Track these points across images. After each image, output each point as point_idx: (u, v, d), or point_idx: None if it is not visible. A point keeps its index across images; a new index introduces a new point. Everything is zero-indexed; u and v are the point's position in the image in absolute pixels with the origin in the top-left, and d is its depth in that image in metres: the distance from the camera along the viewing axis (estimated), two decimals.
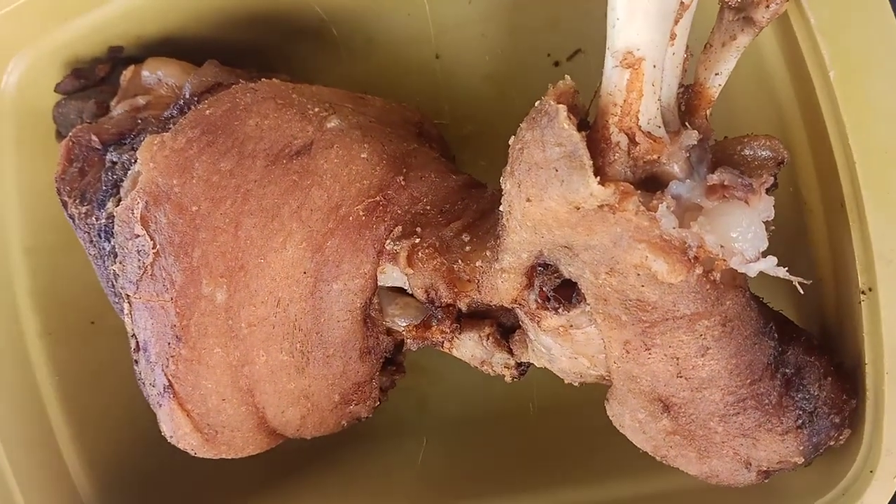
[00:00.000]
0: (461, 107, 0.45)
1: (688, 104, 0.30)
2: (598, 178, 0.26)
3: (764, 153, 0.30)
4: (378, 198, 0.34)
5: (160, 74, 0.42)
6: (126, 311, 0.36)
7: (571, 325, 0.30)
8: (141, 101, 0.41)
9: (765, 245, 0.27)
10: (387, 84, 0.46)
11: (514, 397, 0.44)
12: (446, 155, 0.41)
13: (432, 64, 0.45)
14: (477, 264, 0.33)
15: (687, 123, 0.29)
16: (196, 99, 0.38)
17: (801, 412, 0.29)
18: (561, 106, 0.26)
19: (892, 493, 0.28)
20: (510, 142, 0.29)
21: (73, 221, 0.39)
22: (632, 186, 0.27)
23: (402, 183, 0.35)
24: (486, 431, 0.45)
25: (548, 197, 0.27)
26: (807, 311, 0.34)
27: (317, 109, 0.36)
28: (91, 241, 0.38)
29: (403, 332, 0.36)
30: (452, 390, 0.47)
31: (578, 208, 0.27)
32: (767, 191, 0.29)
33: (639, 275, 0.27)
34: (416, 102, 0.44)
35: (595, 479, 0.37)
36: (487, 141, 0.44)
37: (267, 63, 0.46)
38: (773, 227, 0.29)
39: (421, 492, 0.42)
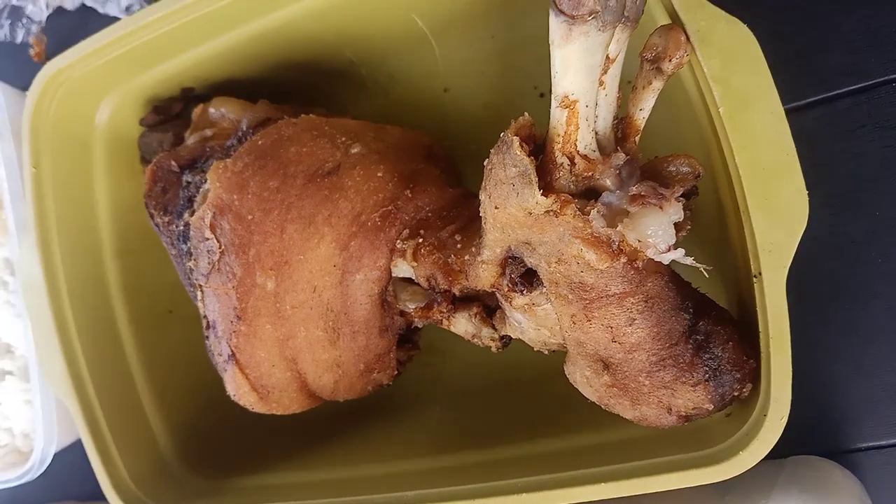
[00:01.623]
0: (466, 130, 0.54)
1: (623, 132, 0.38)
2: (543, 191, 0.35)
3: (684, 168, 0.38)
4: (390, 207, 0.44)
5: (223, 111, 0.52)
6: (199, 298, 0.46)
7: (533, 304, 0.39)
8: (208, 132, 0.51)
9: (672, 240, 0.35)
10: (406, 112, 0.55)
11: (510, 370, 0.53)
12: (451, 171, 0.51)
13: (442, 96, 0.54)
14: (465, 258, 0.42)
15: (619, 147, 0.38)
16: (251, 131, 0.48)
17: (707, 369, 0.37)
18: (515, 137, 0.35)
19: (780, 431, 0.36)
20: (485, 163, 0.38)
21: (159, 229, 0.49)
22: (570, 197, 0.35)
23: (409, 195, 0.44)
24: (488, 399, 0.54)
25: (509, 205, 0.36)
26: (731, 290, 0.42)
27: (344, 139, 0.46)
28: (172, 244, 0.48)
29: (412, 313, 0.45)
30: (462, 367, 0.56)
31: (531, 213, 0.36)
32: (685, 197, 0.38)
33: (578, 263, 0.36)
34: (429, 127, 0.53)
35: (568, 432, 0.46)
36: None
37: (308, 97, 0.55)
38: (690, 227, 0.38)
39: (431, 447, 0.51)
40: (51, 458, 0.58)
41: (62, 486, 0.65)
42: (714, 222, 0.41)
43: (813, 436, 0.47)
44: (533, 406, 0.50)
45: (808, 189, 0.45)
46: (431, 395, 0.56)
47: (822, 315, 0.46)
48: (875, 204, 0.45)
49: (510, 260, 0.39)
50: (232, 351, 0.45)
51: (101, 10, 0.66)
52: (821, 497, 0.43)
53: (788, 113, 0.46)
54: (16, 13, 0.68)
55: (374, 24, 0.50)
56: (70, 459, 0.60)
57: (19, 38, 0.69)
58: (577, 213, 0.35)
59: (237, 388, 0.46)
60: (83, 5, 0.67)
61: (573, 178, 0.36)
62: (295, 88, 0.55)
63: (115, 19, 0.65)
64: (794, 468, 0.44)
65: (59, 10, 0.68)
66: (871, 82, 0.44)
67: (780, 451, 0.46)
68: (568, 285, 0.37)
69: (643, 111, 0.37)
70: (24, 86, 0.54)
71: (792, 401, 0.45)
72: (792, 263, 0.44)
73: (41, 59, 0.69)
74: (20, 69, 0.69)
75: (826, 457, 0.47)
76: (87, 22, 0.68)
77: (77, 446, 0.55)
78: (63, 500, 0.66)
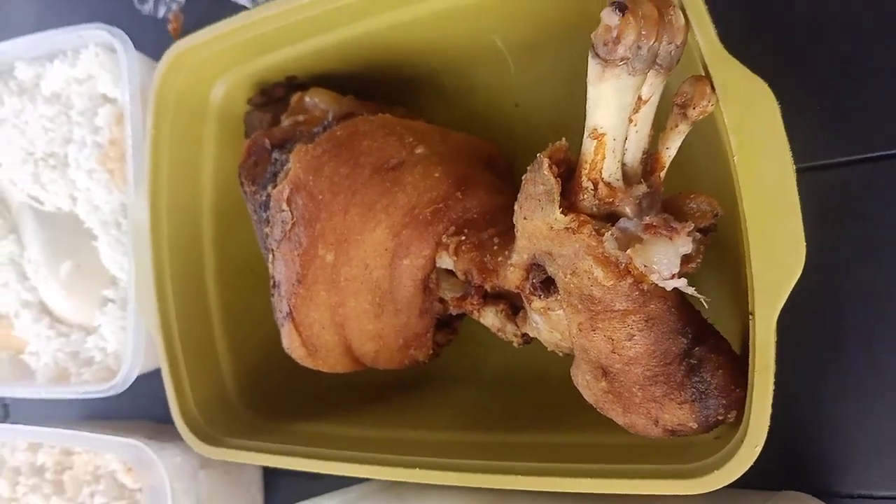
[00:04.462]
0: (531, 145, 0.57)
1: (650, 166, 0.42)
2: (564, 209, 0.39)
3: (704, 206, 0.42)
4: (441, 205, 0.49)
5: (316, 100, 0.59)
6: (270, 260, 0.52)
7: (549, 308, 0.44)
8: (301, 118, 0.58)
9: (676, 269, 0.38)
10: (480, 122, 0.59)
11: (542, 370, 0.58)
12: (507, 180, 0.55)
13: (513, 110, 0.58)
14: (499, 259, 0.47)
15: (643, 179, 0.41)
16: (335, 122, 0.54)
17: (695, 390, 0.40)
18: (546, 159, 0.40)
19: (754, 457, 0.38)
20: (523, 177, 0.43)
21: (246, 196, 0.56)
22: (589, 218, 0.39)
23: (460, 196, 0.49)
24: (518, 392, 0.58)
25: (535, 218, 0.41)
26: (740, 325, 0.45)
27: (411, 139, 0.51)
28: (255, 211, 0.55)
29: (449, 301, 0.51)
30: (499, 361, 0.61)
31: (552, 228, 0.40)
32: (703, 233, 0.41)
33: (588, 278, 0.40)
34: (497, 138, 0.58)
35: (576, 429, 0.50)
36: None
37: (392, 96, 0.61)
38: (700, 260, 0.41)
39: (458, 424, 0.56)
40: (133, 378, 0.67)
41: (141, 407, 0.75)
42: (733, 259, 0.44)
43: (811, 476, 0.49)
44: (555, 404, 0.54)
45: (836, 240, 0.48)
46: (468, 381, 0.61)
47: (836, 359, 0.48)
48: None
49: (534, 266, 0.44)
50: (290, 309, 0.51)
51: None
52: None
53: (827, 167, 0.49)
54: None
55: (458, 39, 0.55)
56: (150, 385, 0.69)
57: (161, 14, 0.78)
58: (593, 232, 0.39)
59: (291, 342, 0.52)
60: None
61: (596, 201, 0.40)
62: (382, 87, 0.61)
63: (243, 7, 0.74)
64: (781, 500, 0.47)
65: None
66: None
67: (776, 485, 0.49)
68: (578, 296, 0.41)
69: (669, 150, 0.41)
70: (158, 56, 0.63)
71: (796, 440, 0.48)
72: (810, 309, 0.46)
73: (177, 35, 0.79)
74: (158, 42, 0.78)
75: (820, 498, 0.49)
76: (221, 6, 0.76)
77: (157, 374, 0.63)
78: (139, 418, 0.76)
